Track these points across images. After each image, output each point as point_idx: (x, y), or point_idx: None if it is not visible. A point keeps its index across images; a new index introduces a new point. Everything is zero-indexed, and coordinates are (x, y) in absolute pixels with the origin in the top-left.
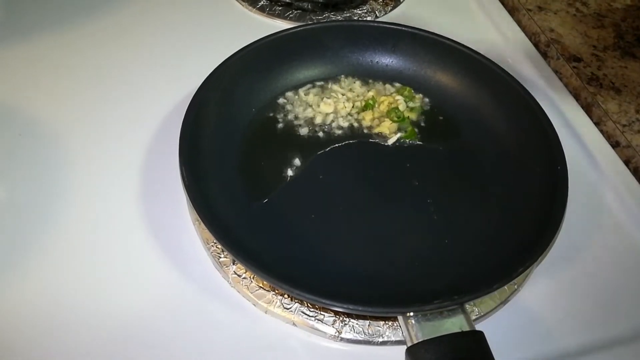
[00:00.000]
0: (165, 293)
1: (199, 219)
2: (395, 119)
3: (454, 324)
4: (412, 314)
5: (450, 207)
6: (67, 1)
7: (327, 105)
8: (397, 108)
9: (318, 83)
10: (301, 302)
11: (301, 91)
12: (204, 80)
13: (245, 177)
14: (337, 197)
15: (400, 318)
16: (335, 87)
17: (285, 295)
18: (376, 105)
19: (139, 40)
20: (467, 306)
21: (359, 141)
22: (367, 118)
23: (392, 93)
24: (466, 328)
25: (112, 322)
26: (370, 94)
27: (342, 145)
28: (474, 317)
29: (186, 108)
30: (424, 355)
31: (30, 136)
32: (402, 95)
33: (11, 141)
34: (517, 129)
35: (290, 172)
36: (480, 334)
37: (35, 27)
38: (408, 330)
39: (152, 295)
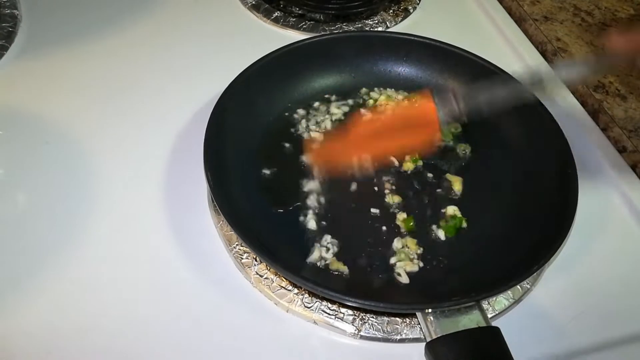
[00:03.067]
0: (188, 294)
1: (226, 222)
2: None
3: (471, 320)
4: (430, 310)
5: (465, 210)
6: (89, 15)
7: (340, 113)
8: None
9: (332, 92)
10: (321, 301)
11: (316, 100)
12: (226, 89)
13: (265, 183)
14: (355, 201)
15: (419, 314)
16: (349, 95)
17: (307, 295)
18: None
19: (159, 52)
20: (483, 304)
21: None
22: None
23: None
24: (482, 324)
25: (136, 323)
26: (382, 99)
27: None
28: (489, 316)
29: (209, 116)
30: (443, 349)
31: (57, 144)
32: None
33: (38, 149)
34: (528, 134)
35: (307, 179)
36: (496, 329)
37: (60, 39)
38: (427, 326)
39: (175, 296)
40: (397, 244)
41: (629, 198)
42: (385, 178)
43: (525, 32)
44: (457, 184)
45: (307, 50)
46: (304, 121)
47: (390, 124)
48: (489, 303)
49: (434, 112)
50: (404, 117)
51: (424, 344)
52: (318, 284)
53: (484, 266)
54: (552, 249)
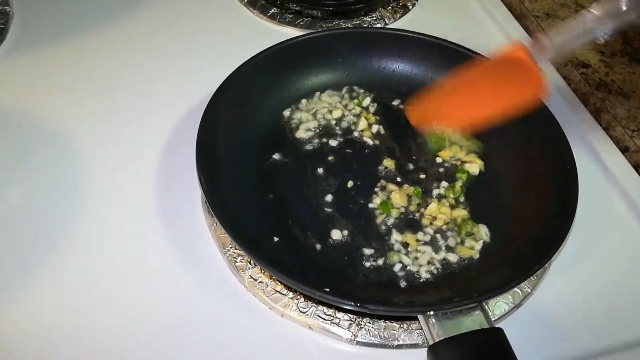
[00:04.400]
0: (182, 297)
1: (219, 224)
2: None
3: (473, 322)
4: (432, 313)
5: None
6: (82, 11)
7: (336, 111)
8: None
9: (327, 90)
10: (317, 305)
11: (311, 98)
12: (219, 87)
13: (260, 184)
14: (352, 203)
15: (420, 317)
16: (345, 93)
17: (302, 299)
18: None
19: (153, 49)
20: (485, 305)
21: (372, 148)
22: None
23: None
24: (485, 325)
25: (129, 326)
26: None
27: (355, 151)
28: None
29: (201, 114)
30: (446, 352)
31: (48, 142)
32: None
33: (29, 147)
34: (527, 131)
35: (303, 179)
36: (500, 331)
37: (52, 36)
38: (429, 329)
39: (168, 299)
40: (396, 239)
41: (631, 199)
42: (382, 175)
43: (527, 29)
44: (457, 184)
45: (301, 47)
46: (296, 119)
47: (487, 82)
48: (488, 307)
49: (530, 58)
50: (499, 71)
51: (423, 349)
52: (315, 287)
53: (485, 267)
54: (554, 247)
